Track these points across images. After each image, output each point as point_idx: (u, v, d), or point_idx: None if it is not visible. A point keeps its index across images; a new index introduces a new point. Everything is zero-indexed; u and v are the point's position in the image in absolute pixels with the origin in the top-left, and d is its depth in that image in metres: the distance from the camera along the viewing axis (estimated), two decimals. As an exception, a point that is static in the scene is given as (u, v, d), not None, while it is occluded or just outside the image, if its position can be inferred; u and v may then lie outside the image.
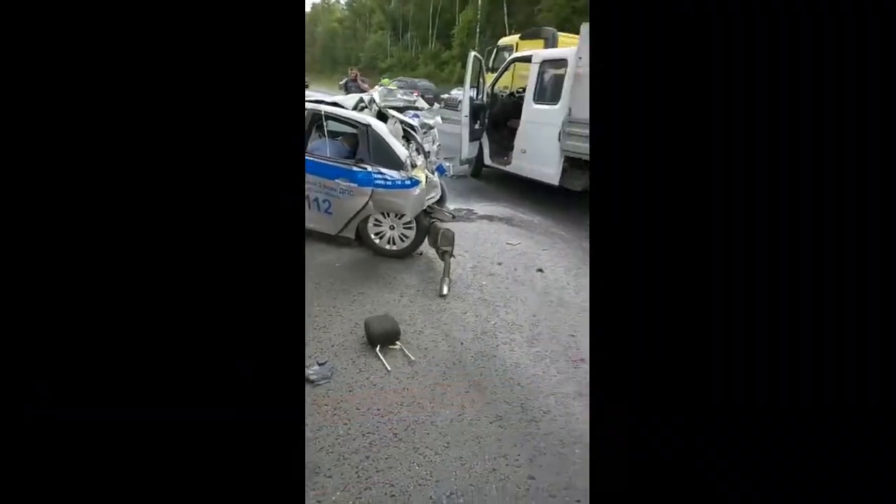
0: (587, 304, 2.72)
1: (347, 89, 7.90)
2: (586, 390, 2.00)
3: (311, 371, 1.93)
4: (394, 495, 1.44)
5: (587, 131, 4.09)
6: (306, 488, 1.40)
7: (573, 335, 2.43)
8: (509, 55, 6.69)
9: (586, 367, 2.17)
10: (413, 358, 2.14)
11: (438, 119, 4.20)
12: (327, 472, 1.50)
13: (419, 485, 1.49)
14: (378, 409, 1.80)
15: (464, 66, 5.53)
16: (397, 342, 2.21)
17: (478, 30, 25.83)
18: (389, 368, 2.05)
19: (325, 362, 2.01)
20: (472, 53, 5.44)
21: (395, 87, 4.11)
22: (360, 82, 8.01)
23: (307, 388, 1.86)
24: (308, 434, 1.65)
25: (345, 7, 50.60)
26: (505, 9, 23.75)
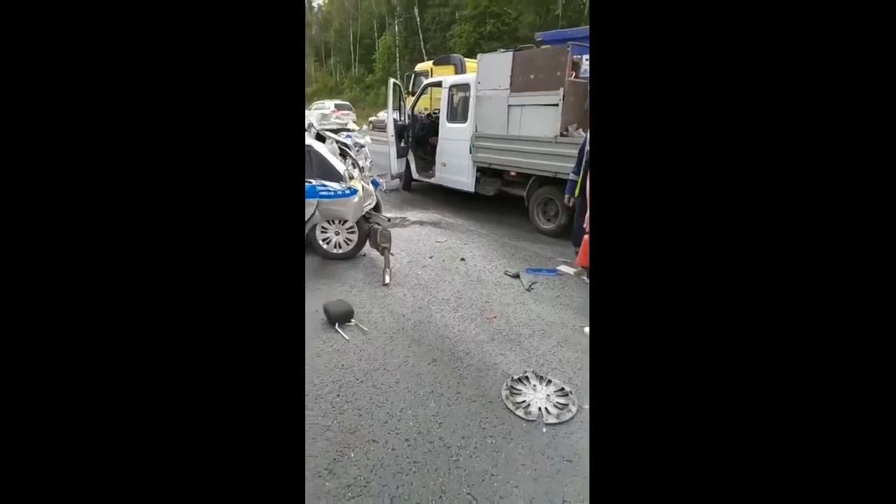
0: (498, 280, 3.51)
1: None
2: (497, 336, 2.68)
3: (284, 345, 2.42)
4: (360, 414, 1.99)
5: (491, 144, 4.93)
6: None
7: (487, 302, 3.13)
8: (425, 79, 7.50)
9: (497, 321, 2.86)
10: (366, 329, 2.69)
11: (368, 139, 4.83)
12: (309, 409, 2.01)
13: (378, 406, 2.05)
14: (342, 365, 2.34)
15: (386, 91, 6.20)
16: (352, 320, 2.75)
17: (397, 54, 26.86)
18: (347, 338, 2.59)
19: (294, 339, 2.51)
20: (392, 80, 6.14)
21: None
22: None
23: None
24: (289, 385, 2.14)
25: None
26: (420, 35, 25.04)
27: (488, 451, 1.79)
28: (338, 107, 16.83)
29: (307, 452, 1.73)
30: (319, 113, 4.59)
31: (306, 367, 2.29)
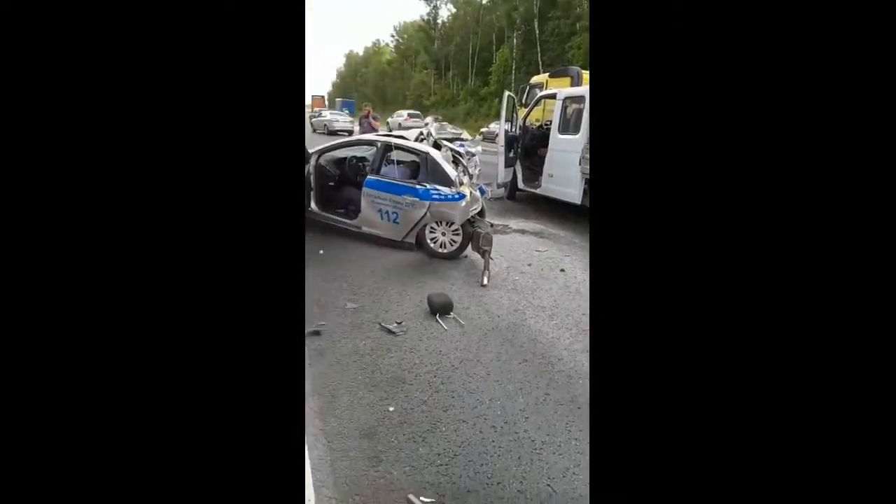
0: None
1: (360, 125, 8.56)
2: (592, 347, 2.66)
3: (393, 326, 2.74)
4: (453, 396, 2.17)
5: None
6: (395, 394, 2.16)
7: (584, 314, 3.10)
8: (540, 91, 7.56)
9: (594, 332, 2.84)
10: (463, 323, 2.89)
11: (479, 148, 5.11)
12: (409, 383, 2.26)
13: (469, 392, 2.21)
14: (440, 351, 2.56)
15: (500, 102, 6.42)
16: (451, 313, 2.98)
17: (513, 67, 27.17)
18: (446, 328, 2.81)
19: (401, 322, 2.81)
20: (507, 93, 6.34)
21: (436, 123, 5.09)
22: (371, 119, 8.46)
23: (391, 337, 2.66)
24: (394, 360, 2.43)
25: (393, 50, 54.15)
26: (538, 47, 24.99)
27: (572, 451, 1.83)
28: (410, 115, 19.82)
29: (404, 420, 1.97)
30: (438, 123, 4.98)
31: (408, 347, 2.57)
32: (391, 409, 2.04)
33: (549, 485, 1.66)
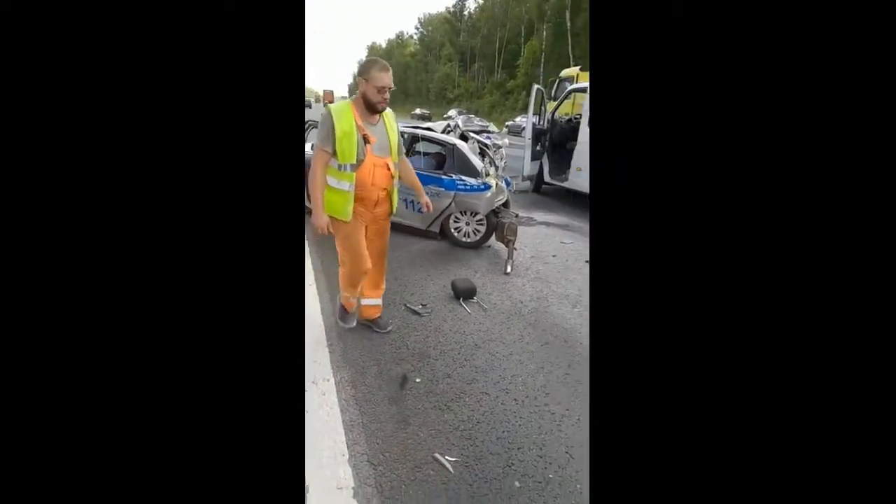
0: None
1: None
2: (613, 333, 2.72)
3: (418, 308, 2.87)
4: (476, 371, 2.28)
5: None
6: (421, 368, 2.29)
7: (608, 301, 3.16)
8: (570, 84, 7.53)
9: (615, 319, 2.89)
10: (486, 307, 3.00)
11: (506, 140, 5.17)
12: (434, 358, 2.38)
13: (492, 369, 2.32)
14: (464, 331, 2.68)
15: (528, 96, 6.45)
16: (475, 297, 3.08)
17: (542, 60, 26.76)
18: (469, 311, 2.92)
19: (426, 304, 2.94)
20: (536, 87, 6.36)
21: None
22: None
23: (417, 318, 2.79)
24: (419, 338, 2.56)
25: (416, 42, 54.11)
26: (569, 40, 24.53)
27: (589, 426, 1.92)
28: None
29: (430, 390, 2.10)
30: (465, 115, 5.04)
31: (433, 327, 2.69)
32: (418, 380, 2.17)
33: (567, 452, 1.75)
